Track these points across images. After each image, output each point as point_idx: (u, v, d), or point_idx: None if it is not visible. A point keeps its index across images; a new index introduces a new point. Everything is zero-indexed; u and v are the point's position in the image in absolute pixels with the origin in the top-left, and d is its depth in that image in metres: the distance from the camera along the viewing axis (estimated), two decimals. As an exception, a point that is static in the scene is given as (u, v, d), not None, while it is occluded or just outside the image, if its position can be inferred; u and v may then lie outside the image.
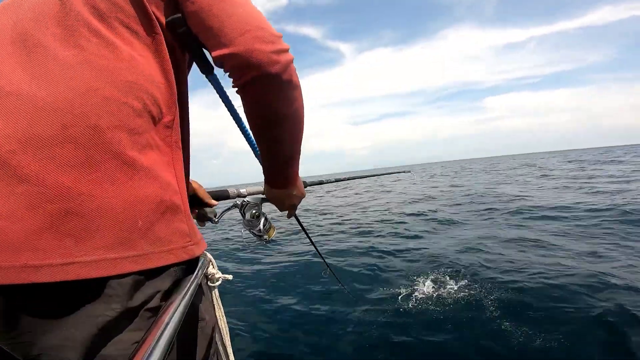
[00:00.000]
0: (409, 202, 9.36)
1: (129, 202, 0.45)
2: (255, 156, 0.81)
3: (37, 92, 0.43)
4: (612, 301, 2.35)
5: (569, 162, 24.52)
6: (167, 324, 0.38)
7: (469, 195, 9.39)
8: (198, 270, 0.53)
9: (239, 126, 0.76)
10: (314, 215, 8.26)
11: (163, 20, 0.57)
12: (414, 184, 16.75)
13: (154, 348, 0.35)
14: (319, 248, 1.18)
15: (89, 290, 0.42)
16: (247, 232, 0.92)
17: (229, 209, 0.90)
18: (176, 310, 0.41)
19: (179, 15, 0.56)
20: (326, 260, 1.25)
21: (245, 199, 0.87)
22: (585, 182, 9.56)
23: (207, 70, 0.66)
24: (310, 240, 1.11)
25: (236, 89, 0.61)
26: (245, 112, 0.64)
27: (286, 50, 0.58)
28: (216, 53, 0.56)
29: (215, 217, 0.85)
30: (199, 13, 0.56)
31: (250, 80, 0.56)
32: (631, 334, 1.98)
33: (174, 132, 0.56)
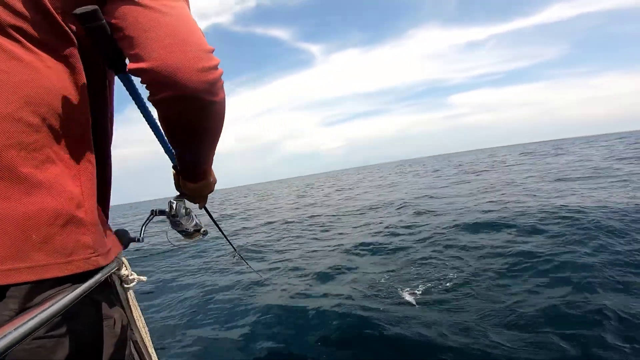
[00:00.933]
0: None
1: (22, 217, 0.45)
2: (167, 155, 0.79)
3: None
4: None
5: (521, 154, 26.00)
6: (29, 319, 0.39)
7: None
8: (97, 275, 0.54)
9: (152, 128, 0.72)
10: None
11: (80, 28, 0.54)
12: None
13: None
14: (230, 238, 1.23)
15: None
16: (176, 232, 0.90)
17: (149, 219, 0.84)
18: (49, 306, 0.42)
19: (94, 7, 0.51)
20: (236, 248, 1.30)
21: (171, 201, 0.85)
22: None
23: (117, 68, 0.60)
24: (219, 228, 1.11)
25: (151, 102, 0.58)
26: (161, 122, 0.61)
27: (214, 67, 0.54)
28: (132, 65, 0.53)
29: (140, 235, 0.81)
30: (120, 25, 0.53)
31: (169, 98, 0.53)
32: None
33: (82, 146, 0.55)
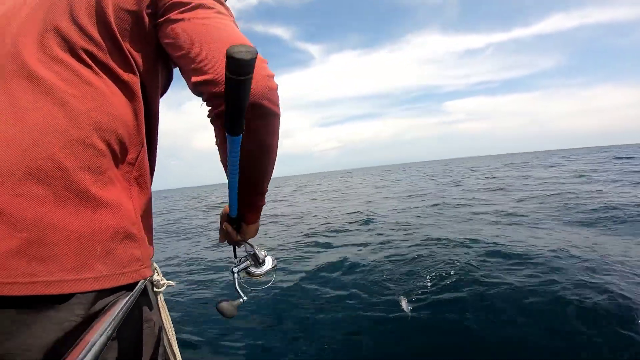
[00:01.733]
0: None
1: (89, 232, 0.50)
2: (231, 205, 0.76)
3: (10, 128, 0.47)
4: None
5: (505, 165, 26.78)
6: (106, 326, 0.46)
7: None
8: (139, 282, 0.61)
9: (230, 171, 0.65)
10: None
11: (139, 59, 0.58)
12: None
13: (93, 344, 0.41)
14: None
15: (58, 300, 0.48)
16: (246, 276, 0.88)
17: (235, 279, 0.83)
18: (114, 317, 0.49)
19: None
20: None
21: (249, 252, 0.86)
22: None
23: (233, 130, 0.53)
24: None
25: (210, 117, 0.59)
26: (222, 143, 0.62)
27: (273, 76, 0.55)
28: (195, 79, 0.54)
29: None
30: (177, 41, 0.56)
31: None
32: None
33: (135, 169, 0.60)
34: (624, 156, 20.89)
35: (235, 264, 0.85)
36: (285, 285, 3.32)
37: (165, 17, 0.58)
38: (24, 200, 0.46)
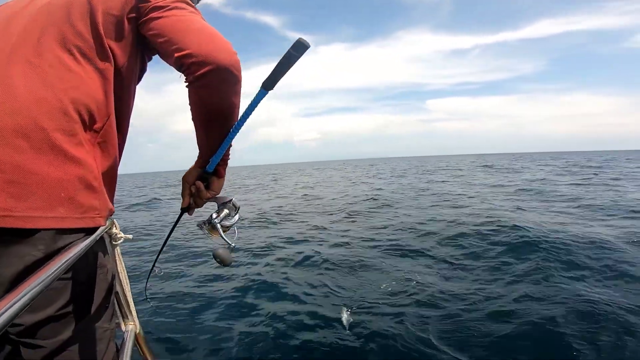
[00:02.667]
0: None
1: (57, 179, 0.62)
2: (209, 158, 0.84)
3: (6, 97, 0.61)
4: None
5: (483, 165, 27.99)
6: (57, 267, 0.51)
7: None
8: (98, 230, 0.69)
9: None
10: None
11: (117, 51, 0.73)
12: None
13: (42, 280, 0.45)
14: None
15: (22, 235, 0.58)
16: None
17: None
18: (70, 257, 0.56)
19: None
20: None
21: (226, 203, 0.91)
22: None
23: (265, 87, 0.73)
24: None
25: (188, 82, 0.72)
26: (196, 102, 0.75)
27: (236, 53, 0.73)
28: (178, 54, 0.70)
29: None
30: (161, 33, 0.72)
31: (210, 71, 0.68)
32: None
33: (100, 136, 0.73)
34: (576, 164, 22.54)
35: (208, 219, 0.88)
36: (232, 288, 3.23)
37: (148, 17, 0.74)
38: (10, 150, 0.58)
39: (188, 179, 0.89)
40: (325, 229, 5.76)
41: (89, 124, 0.70)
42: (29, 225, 0.58)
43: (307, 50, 0.68)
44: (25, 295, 0.41)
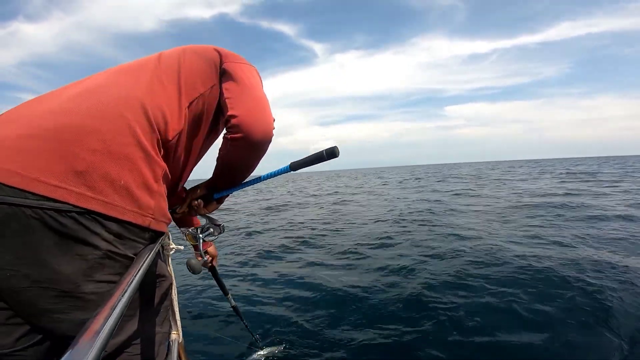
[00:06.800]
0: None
1: (123, 175, 0.65)
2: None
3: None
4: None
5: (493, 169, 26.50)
6: (136, 274, 0.53)
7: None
8: (160, 238, 0.72)
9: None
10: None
11: (187, 114, 0.83)
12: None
13: (125, 291, 0.48)
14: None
15: (83, 231, 0.60)
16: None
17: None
18: (142, 264, 0.57)
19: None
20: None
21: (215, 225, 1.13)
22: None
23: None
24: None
25: (228, 137, 0.85)
26: (224, 152, 0.89)
27: (273, 128, 0.85)
28: (230, 112, 0.83)
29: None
30: (228, 92, 0.86)
31: (240, 139, 0.82)
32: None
33: (164, 152, 0.79)
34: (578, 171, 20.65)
35: (194, 229, 1.12)
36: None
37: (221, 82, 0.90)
38: (87, 147, 0.63)
39: (194, 194, 1.04)
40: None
41: (159, 145, 0.76)
42: (109, 212, 0.62)
43: (334, 159, 0.86)
44: (116, 307, 0.42)
